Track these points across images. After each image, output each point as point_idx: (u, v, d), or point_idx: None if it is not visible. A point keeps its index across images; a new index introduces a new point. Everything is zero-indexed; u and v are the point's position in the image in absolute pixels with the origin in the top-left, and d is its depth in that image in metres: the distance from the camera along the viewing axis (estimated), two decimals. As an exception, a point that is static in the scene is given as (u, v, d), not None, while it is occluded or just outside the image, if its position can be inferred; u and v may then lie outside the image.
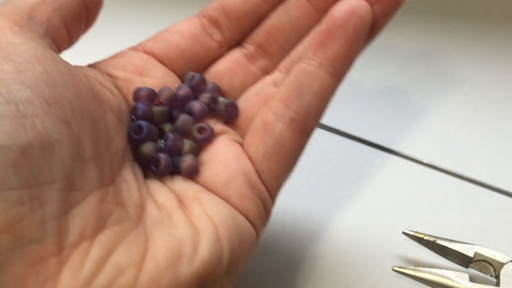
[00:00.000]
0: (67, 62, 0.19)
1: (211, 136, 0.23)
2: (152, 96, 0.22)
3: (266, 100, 0.24)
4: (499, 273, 0.25)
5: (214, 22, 0.25)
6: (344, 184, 0.32)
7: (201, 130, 0.22)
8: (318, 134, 0.27)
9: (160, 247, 0.18)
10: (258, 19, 0.26)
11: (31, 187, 0.15)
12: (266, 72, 0.25)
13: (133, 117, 0.22)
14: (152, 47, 0.24)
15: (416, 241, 0.27)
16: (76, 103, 0.18)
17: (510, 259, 0.25)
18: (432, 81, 0.41)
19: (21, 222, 0.15)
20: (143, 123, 0.22)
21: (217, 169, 0.21)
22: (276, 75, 0.25)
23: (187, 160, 0.21)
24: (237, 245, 0.20)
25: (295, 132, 0.22)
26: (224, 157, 0.22)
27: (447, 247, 0.26)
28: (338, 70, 0.22)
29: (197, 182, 0.21)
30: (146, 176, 0.22)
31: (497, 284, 0.25)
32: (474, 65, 0.42)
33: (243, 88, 0.25)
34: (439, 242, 0.26)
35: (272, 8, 0.25)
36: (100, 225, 0.17)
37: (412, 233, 0.27)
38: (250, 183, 0.21)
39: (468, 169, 0.33)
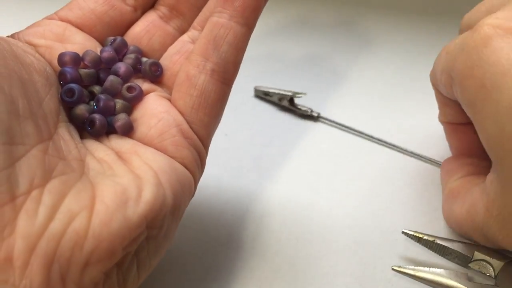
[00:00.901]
0: None
1: (140, 94, 0.24)
2: (77, 59, 0.23)
3: (186, 56, 0.25)
4: (498, 273, 0.25)
5: None
6: (344, 180, 0.32)
7: (130, 89, 0.24)
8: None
9: (107, 192, 0.19)
10: None
11: None
12: (182, 31, 0.27)
13: (62, 82, 0.22)
14: (68, 14, 0.25)
15: (415, 240, 0.27)
16: (1, 65, 0.19)
17: (510, 259, 0.25)
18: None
19: None
20: (74, 85, 0.22)
21: (150, 123, 0.23)
22: (192, 32, 0.27)
23: (120, 119, 0.22)
24: (178, 187, 0.21)
25: (217, 82, 0.24)
26: (155, 111, 0.23)
27: (447, 246, 0.26)
28: (248, 19, 0.24)
29: (132, 139, 0.23)
30: (81, 137, 0.22)
31: (496, 283, 0.25)
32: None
33: (163, 48, 0.27)
34: (439, 241, 0.27)
35: None
36: (47, 175, 0.18)
37: (412, 233, 0.27)
38: (183, 133, 0.23)
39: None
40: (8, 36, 0.23)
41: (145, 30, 0.27)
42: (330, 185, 0.32)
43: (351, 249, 0.28)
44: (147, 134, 0.22)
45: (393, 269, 0.26)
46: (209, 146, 0.25)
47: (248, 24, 0.24)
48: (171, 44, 0.27)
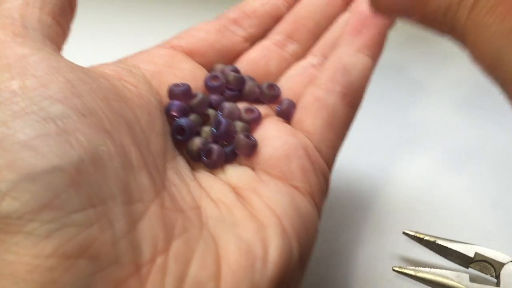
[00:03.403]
0: (81, 66, 0.19)
1: (259, 117, 0.23)
2: (188, 93, 0.22)
3: (310, 79, 0.24)
4: (499, 273, 0.25)
5: (235, 22, 0.26)
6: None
7: (248, 111, 0.23)
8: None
9: (231, 253, 0.17)
10: (278, 18, 0.27)
11: (95, 205, 0.15)
12: (298, 57, 0.26)
13: (172, 114, 0.21)
14: (180, 42, 0.25)
15: (416, 241, 0.27)
16: (107, 109, 0.17)
17: (511, 259, 0.25)
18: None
19: (94, 244, 0.14)
20: (183, 122, 0.21)
21: (275, 144, 0.21)
22: (311, 58, 0.26)
23: (243, 138, 0.21)
24: (303, 232, 0.19)
25: (346, 104, 0.23)
26: (279, 133, 0.22)
27: (447, 247, 0.26)
28: (374, 53, 0.25)
29: (256, 163, 0.21)
30: (193, 168, 0.21)
31: (498, 284, 0.25)
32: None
33: (279, 72, 0.26)
34: (439, 242, 0.26)
35: (289, 7, 0.27)
36: (169, 235, 0.16)
37: (412, 233, 0.27)
38: (310, 157, 0.21)
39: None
40: (115, 61, 0.22)
41: (261, 55, 0.26)
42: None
43: (351, 249, 0.28)
44: (272, 156, 0.21)
45: (393, 269, 0.26)
46: (332, 171, 0.23)
47: (375, 57, 0.25)
48: (287, 68, 0.26)
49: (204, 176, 0.20)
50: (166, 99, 0.22)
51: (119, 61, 0.22)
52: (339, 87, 0.23)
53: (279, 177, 0.20)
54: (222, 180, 0.20)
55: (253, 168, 0.21)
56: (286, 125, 0.23)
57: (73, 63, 0.18)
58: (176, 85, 0.22)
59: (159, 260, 0.16)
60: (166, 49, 0.24)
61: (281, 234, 0.18)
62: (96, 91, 0.17)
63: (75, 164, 0.15)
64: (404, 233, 0.27)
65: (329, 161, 0.23)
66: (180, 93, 0.22)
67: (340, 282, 0.27)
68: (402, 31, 0.45)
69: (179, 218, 0.17)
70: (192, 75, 0.23)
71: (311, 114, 0.23)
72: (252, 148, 0.21)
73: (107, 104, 0.17)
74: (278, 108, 0.24)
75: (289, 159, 0.21)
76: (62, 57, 0.18)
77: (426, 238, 0.27)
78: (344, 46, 0.25)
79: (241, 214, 0.18)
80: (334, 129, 0.23)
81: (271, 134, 0.22)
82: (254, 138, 0.21)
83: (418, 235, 0.27)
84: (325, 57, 0.26)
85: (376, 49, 0.25)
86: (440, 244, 0.26)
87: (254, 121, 0.22)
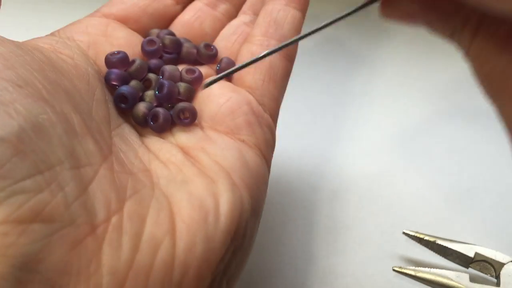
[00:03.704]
0: (13, 40, 0.19)
1: (200, 76, 0.23)
2: (125, 61, 0.22)
3: (244, 36, 0.25)
4: (499, 273, 0.25)
5: None
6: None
7: (189, 71, 0.23)
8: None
9: (184, 209, 0.17)
10: None
11: (43, 171, 0.15)
12: (230, 16, 0.27)
13: (111, 84, 0.21)
14: (111, 10, 0.25)
15: (416, 241, 0.27)
16: (44, 80, 0.17)
17: (511, 259, 0.25)
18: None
19: (46, 208, 0.14)
20: (124, 90, 0.21)
21: (219, 101, 0.22)
22: (242, 17, 0.27)
23: (182, 107, 0.21)
24: (253, 185, 0.20)
25: (282, 57, 0.24)
26: (221, 91, 0.22)
27: (447, 247, 0.26)
28: (302, 5, 0.26)
29: (203, 120, 0.22)
30: (140, 134, 0.21)
31: (498, 284, 0.25)
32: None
33: (214, 32, 0.26)
34: (439, 242, 0.26)
35: None
36: (121, 196, 0.17)
37: (412, 233, 0.27)
38: (254, 111, 0.22)
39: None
40: (49, 35, 0.22)
41: (195, 17, 0.26)
42: (329, 185, 0.32)
43: (352, 250, 0.28)
44: (217, 113, 0.21)
45: (393, 269, 0.26)
46: (276, 123, 0.24)
47: (303, 9, 0.26)
48: (221, 28, 0.26)
49: (153, 141, 0.21)
50: (104, 69, 0.22)
51: (52, 34, 0.22)
52: (273, 41, 0.24)
53: (226, 133, 0.21)
54: (171, 143, 0.21)
55: (200, 127, 0.22)
56: (227, 82, 0.23)
57: (3, 37, 0.18)
58: (112, 53, 0.22)
59: (113, 220, 0.16)
60: (99, 18, 0.24)
61: (231, 188, 0.19)
62: (30, 63, 0.17)
63: (15, 133, 0.15)
64: (404, 233, 0.27)
65: (273, 113, 0.23)
66: (117, 61, 0.22)
67: (340, 282, 0.27)
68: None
69: (129, 180, 0.18)
70: (128, 43, 0.23)
71: (251, 70, 0.23)
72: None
73: (43, 75, 0.17)
74: (218, 67, 0.24)
75: (234, 114, 0.21)
76: None
77: (426, 238, 0.27)
78: (272, 1, 0.26)
79: (190, 172, 0.19)
80: (274, 83, 0.23)
81: (214, 92, 0.22)
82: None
83: (418, 235, 0.27)
84: (256, 14, 0.27)
85: (303, 2, 0.26)
86: (440, 244, 0.26)
87: (196, 81, 0.23)
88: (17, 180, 0.14)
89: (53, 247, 0.14)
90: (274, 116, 0.24)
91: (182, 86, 0.22)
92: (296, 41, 0.19)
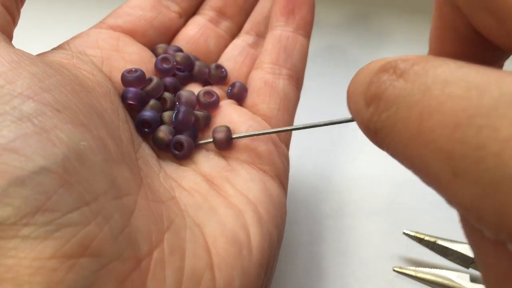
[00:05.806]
0: (40, 57, 0.18)
1: (217, 100, 0.23)
2: (142, 79, 0.22)
3: (250, 59, 0.26)
4: (500, 274, 0.25)
5: None
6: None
7: (207, 94, 0.23)
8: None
9: (218, 240, 0.17)
10: None
11: (89, 203, 0.14)
12: (232, 34, 0.27)
13: (128, 103, 0.21)
14: (117, 22, 0.24)
15: (416, 241, 0.27)
16: (78, 102, 0.16)
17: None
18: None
19: (94, 242, 0.14)
20: (148, 116, 0.21)
21: (241, 130, 0.22)
22: (246, 37, 0.27)
23: (221, 131, 0.21)
24: (277, 215, 0.20)
25: (293, 86, 0.25)
26: (241, 118, 0.22)
27: (448, 247, 0.26)
28: (308, 32, 0.26)
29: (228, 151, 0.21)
30: (158, 155, 0.21)
31: (498, 284, 0.25)
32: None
33: (218, 50, 0.26)
34: (440, 242, 0.26)
35: None
36: (160, 228, 0.16)
37: (413, 234, 0.27)
38: (273, 141, 0.22)
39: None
40: (58, 48, 0.21)
41: (200, 33, 0.26)
42: (329, 186, 0.32)
43: (352, 250, 0.28)
44: (239, 141, 0.21)
45: (394, 270, 0.26)
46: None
47: (309, 36, 0.26)
48: (225, 46, 0.26)
49: (172, 167, 0.20)
50: (118, 85, 0.21)
51: (62, 48, 0.21)
52: (285, 70, 0.24)
53: (248, 162, 0.21)
54: (194, 170, 0.20)
55: (222, 155, 0.21)
56: (244, 109, 0.23)
57: (29, 53, 0.17)
58: (130, 70, 0.21)
59: (156, 254, 0.15)
60: (106, 31, 0.23)
61: (259, 220, 0.19)
62: (63, 84, 0.17)
63: (60, 162, 0.14)
64: (404, 233, 0.27)
65: (287, 142, 0.24)
66: (135, 79, 0.21)
67: (340, 282, 0.27)
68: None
69: (163, 209, 0.17)
70: (140, 58, 0.23)
71: (266, 99, 0.23)
72: (227, 143, 0.21)
73: (76, 96, 0.17)
74: (229, 90, 0.24)
75: (255, 143, 0.21)
76: (16, 48, 0.17)
77: (426, 238, 0.27)
78: (279, 28, 0.25)
79: (217, 201, 0.19)
80: (288, 112, 0.24)
81: (235, 119, 0.22)
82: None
83: (418, 235, 0.27)
84: (258, 35, 0.27)
85: (309, 29, 0.26)
86: (440, 244, 0.26)
87: (213, 104, 0.23)
88: (65, 212, 0.14)
89: (101, 283, 0.14)
90: (287, 144, 0.24)
91: (200, 114, 0.22)
92: (293, 129, 0.20)
